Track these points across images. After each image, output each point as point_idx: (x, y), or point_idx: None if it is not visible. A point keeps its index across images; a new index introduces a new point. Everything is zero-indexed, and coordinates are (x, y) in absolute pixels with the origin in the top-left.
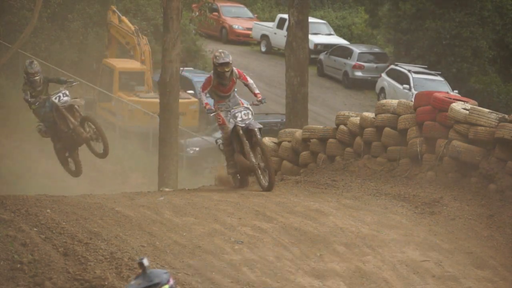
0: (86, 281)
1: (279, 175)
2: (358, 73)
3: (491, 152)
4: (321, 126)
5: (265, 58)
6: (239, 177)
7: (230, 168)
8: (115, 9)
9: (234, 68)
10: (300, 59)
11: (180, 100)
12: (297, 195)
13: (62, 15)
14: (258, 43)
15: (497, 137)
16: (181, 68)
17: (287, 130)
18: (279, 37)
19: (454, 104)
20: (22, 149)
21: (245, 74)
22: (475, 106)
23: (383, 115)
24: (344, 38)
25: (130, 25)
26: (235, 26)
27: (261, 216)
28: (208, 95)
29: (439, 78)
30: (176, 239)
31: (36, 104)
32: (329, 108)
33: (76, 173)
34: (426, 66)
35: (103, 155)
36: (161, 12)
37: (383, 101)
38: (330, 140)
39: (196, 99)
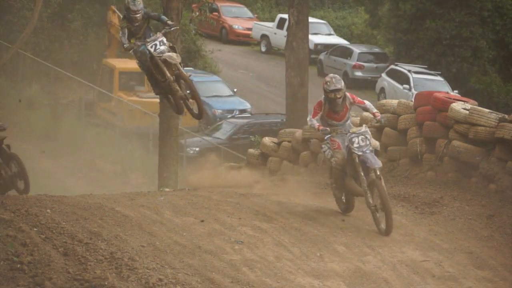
0: (86, 281)
1: (279, 175)
2: (358, 73)
3: (491, 152)
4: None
5: (265, 58)
6: (344, 200)
7: (338, 191)
8: (115, 9)
9: (347, 93)
10: (300, 59)
11: None
12: (297, 195)
13: (62, 15)
14: (258, 43)
15: (497, 137)
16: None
17: (287, 130)
18: (279, 37)
19: (454, 104)
20: (22, 149)
21: (359, 98)
22: (475, 106)
23: (383, 115)
24: (344, 38)
25: None
26: (235, 26)
27: (261, 216)
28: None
29: (439, 78)
30: (176, 239)
31: (130, 50)
32: None
33: (199, 115)
34: (426, 66)
35: (199, 116)
36: (161, 12)
37: (383, 101)
38: None
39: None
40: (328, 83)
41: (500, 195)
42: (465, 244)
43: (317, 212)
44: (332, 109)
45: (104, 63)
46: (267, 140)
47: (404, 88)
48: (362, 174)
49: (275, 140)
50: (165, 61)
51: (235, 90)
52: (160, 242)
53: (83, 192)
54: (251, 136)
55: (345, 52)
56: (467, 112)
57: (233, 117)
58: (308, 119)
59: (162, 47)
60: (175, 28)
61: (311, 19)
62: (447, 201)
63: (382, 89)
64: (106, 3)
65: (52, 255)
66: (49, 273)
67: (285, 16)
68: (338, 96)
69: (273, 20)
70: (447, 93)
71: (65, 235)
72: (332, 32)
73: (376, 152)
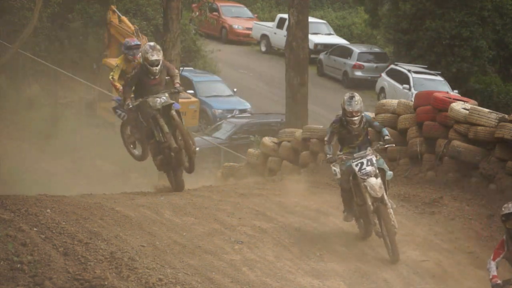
0: (86, 281)
1: (279, 175)
2: (358, 73)
3: (491, 152)
4: (321, 126)
5: (265, 58)
6: None
7: None
8: (115, 9)
9: None
10: (300, 59)
11: (180, 100)
12: (297, 195)
13: (62, 15)
14: (258, 43)
15: (497, 137)
16: (181, 68)
17: (287, 130)
18: (279, 37)
19: (454, 104)
20: (22, 149)
21: None
22: (475, 106)
23: (383, 115)
24: (344, 38)
25: (130, 25)
26: (235, 26)
27: (261, 216)
28: None
29: (439, 78)
30: (176, 239)
31: (333, 163)
32: (329, 108)
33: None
34: (426, 66)
35: (394, 260)
36: (161, 12)
37: (383, 101)
38: None
39: (196, 99)
40: (504, 208)
41: (500, 195)
42: (465, 244)
43: (317, 212)
44: None
45: (104, 63)
46: (267, 140)
47: (404, 88)
48: None
49: (275, 140)
50: (366, 187)
51: (235, 90)
52: (160, 242)
53: (83, 192)
54: (251, 136)
55: (345, 52)
56: (467, 112)
57: (233, 117)
58: (488, 262)
59: (369, 168)
60: (390, 146)
61: (311, 19)
62: (447, 201)
63: (382, 89)
64: (106, 3)
65: (52, 255)
66: (49, 273)
67: (285, 16)
68: None
69: (273, 20)
70: (447, 93)
71: (65, 235)
72: (332, 32)
73: None
